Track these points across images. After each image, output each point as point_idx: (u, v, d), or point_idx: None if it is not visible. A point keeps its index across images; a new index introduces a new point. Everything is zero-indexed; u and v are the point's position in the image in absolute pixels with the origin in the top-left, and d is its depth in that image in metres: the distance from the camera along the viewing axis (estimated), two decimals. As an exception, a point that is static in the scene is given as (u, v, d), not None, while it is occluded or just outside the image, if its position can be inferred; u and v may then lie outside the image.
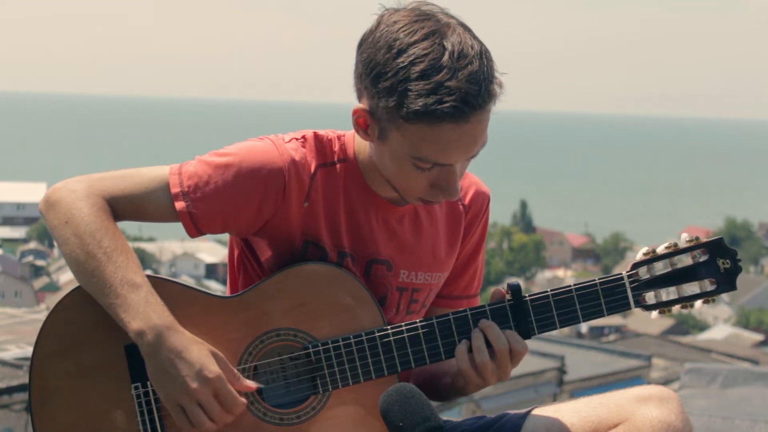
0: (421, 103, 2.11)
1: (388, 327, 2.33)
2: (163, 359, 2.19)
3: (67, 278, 55.59)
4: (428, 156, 2.17)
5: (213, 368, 2.20)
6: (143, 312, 2.19)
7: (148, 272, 2.32)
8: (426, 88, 2.10)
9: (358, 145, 2.36)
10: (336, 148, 2.36)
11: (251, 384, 2.27)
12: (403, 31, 2.15)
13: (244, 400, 2.24)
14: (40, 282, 59.61)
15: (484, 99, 2.13)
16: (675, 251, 2.35)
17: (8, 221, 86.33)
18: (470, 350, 2.30)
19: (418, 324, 2.33)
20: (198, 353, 2.20)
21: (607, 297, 2.34)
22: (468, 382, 2.33)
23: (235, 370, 2.26)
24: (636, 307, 2.35)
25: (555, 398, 20.66)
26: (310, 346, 2.31)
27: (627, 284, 2.34)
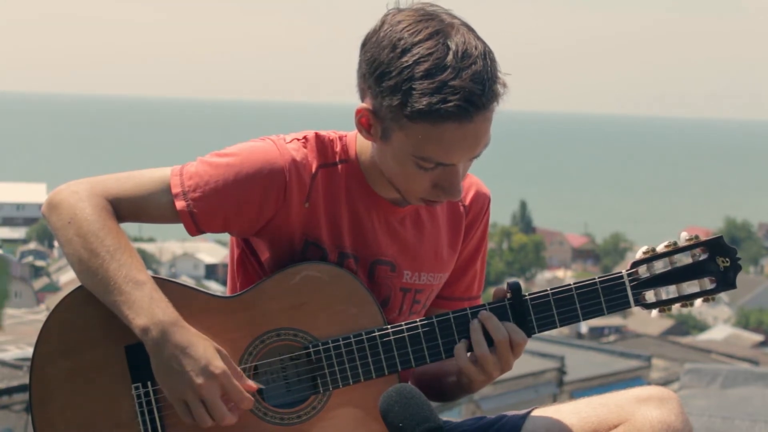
0: (425, 102, 2.11)
1: (388, 326, 2.33)
2: (168, 355, 2.19)
3: (67, 279, 55.57)
4: (431, 155, 2.17)
5: (218, 364, 2.21)
6: (147, 308, 2.19)
7: (148, 272, 2.32)
8: (430, 87, 2.11)
9: (360, 145, 2.36)
10: (338, 148, 2.36)
11: (252, 384, 2.27)
12: (408, 30, 2.15)
13: (250, 396, 2.25)
14: (40, 282, 59.59)
15: (487, 99, 2.14)
16: (674, 250, 2.35)
17: (8, 222, 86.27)
18: (470, 348, 2.31)
19: (419, 323, 2.33)
20: (204, 349, 2.21)
21: (607, 296, 2.34)
22: (472, 379, 2.34)
23: (239, 369, 2.26)
24: (636, 305, 2.35)
25: (555, 399, 20.65)
26: (310, 345, 2.32)
27: (627, 283, 2.34)
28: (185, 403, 2.22)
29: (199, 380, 2.19)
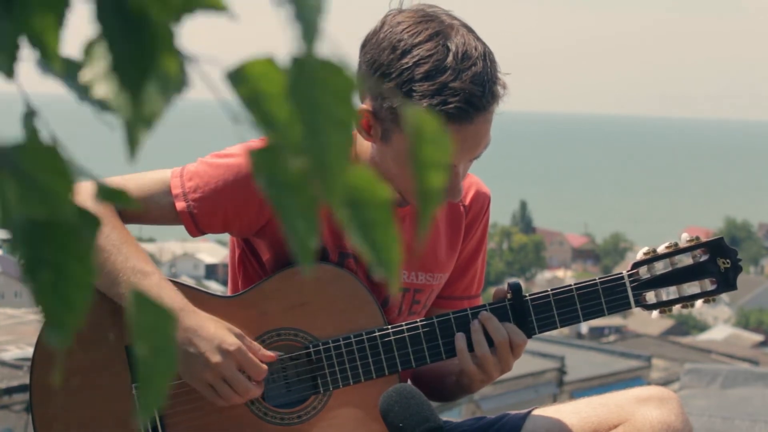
0: (425, 104, 2.11)
1: (389, 326, 2.33)
2: (181, 340, 2.19)
3: (67, 278, 55.49)
4: None
5: (232, 341, 2.21)
6: (156, 297, 2.19)
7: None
8: (430, 89, 2.11)
9: (360, 146, 2.36)
10: (337, 148, 2.37)
11: (271, 354, 2.27)
12: (408, 32, 2.16)
13: (265, 366, 2.25)
14: (40, 282, 59.53)
15: (488, 100, 2.14)
16: (675, 251, 2.35)
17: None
18: (470, 348, 2.31)
19: (419, 323, 2.33)
20: (215, 329, 2.21)
21: (607, 296, 2.34)
22: (472, 379, 2.34)
23: (254, 342, 2.27)
24: (636, 306, 2.36)
25: (555, 399, 20.65)
26: (310, 345, 2.32)
27: (627, 284, 2.34)
28: (209, 385, 2.22)
29: (216, 359, 2.19)
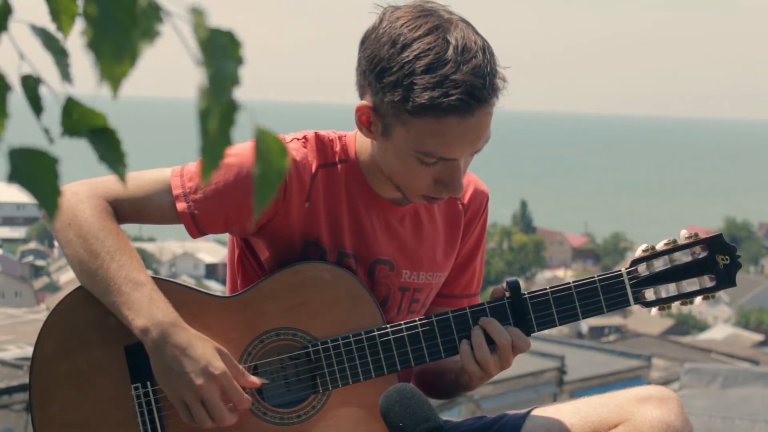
0: (427, 97, 2.11)
1: (388, 326, 2.33)
2: (168, 356, 2.19)
3: (67, 278, 55.56)
4: (434, 150, 2.18)
5: (218, 365, 2.21)
6: (147, 309, 2.19)
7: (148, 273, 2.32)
8: (432, 81, 2.11)
9: (360, 145, 2.36)
10: (337, 148, 2.37)
11: (256, 380, 2.27)
12: (407, 26, 2.16)
13: (249, 397, 2.25)
14: (40, 282, 59.57)
15: (488, 92, 2.14)
16: (674, 248, 2.35)
17: (8, 221, 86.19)
18: (472, 348, 2.31)
19: (418, 322, 2.33)
20: (203, 350, 2.21)
21: (606, 294, 2.34)
22: (472, 378, 2.34)
23: (240, 367, 2.26)
24: (635, 303, 2.35)
25: (555, 398, 20.65)
26: (309, 345, 2.32)
27: (626, 281, 2.34)
28: (185, 404, 2.22)
29: (199, 381, 2.19)
